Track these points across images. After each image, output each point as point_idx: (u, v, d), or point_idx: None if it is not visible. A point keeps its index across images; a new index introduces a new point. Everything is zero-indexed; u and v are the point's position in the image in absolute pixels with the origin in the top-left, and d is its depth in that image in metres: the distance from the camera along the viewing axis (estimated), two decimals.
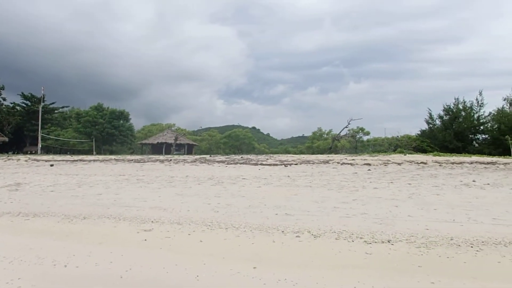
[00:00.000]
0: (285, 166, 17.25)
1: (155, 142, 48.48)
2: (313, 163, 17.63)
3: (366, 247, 5.01)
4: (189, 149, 49.95)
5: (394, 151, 29.36)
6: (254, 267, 4.23)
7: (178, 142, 45.28)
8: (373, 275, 3.97)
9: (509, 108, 36.03)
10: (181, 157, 24.96)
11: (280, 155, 25.34)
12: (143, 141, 52.13)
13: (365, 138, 43.89)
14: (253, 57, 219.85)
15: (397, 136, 38.49)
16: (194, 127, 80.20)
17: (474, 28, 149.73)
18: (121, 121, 50.85)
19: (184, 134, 53.74)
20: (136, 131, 58.23)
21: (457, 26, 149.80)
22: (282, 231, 5.90)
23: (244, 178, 13.43)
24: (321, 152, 36.07)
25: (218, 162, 19.58)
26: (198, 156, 25.20)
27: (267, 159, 20.33)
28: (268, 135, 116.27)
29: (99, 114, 49.60)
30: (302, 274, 4.05)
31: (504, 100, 36.62)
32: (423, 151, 29.29)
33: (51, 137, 48.63)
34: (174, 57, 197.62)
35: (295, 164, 17.55)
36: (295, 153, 34.25)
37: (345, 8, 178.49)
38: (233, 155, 26.22)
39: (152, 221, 6.74)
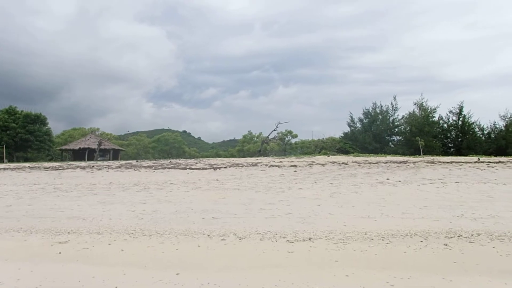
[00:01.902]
0: (214, 169, 17.21)
1: (77, 147, 45.23)
2: (242, 166, 17.82)
3: (289, 246, 5.19)
4: (115, 155, 47.46)
5: (319, 152, 30.85)
6: (177, 274, 4.17)
7: (102, 147, 42.79)
8: (294, 273, 4.13)
9: (419, 111, 39.73)
10: (105, 163, 23.69)
11: (210, 158, 25.25)
12: (63, 147, 48.41)
13: (293, 140, 45.46)
14: (183, 60, 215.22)
15: (323, 139, 40.55)
16: (120, 131, 76.32)
17: (389, 39, 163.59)
18: (37, 126, 46.61)
19: (109, 139, 51.01)
20: (55, 136, 53.87)
21: (374, 36, 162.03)
22: (208, 235, 5.89)
23: (172, 183, 13.15)
24: (252, 155, 36.57)
25: (145, 167, 18.93)
26: (124, 162, 24.11)
27: (197, 163, 20.12)
28: (199, 139, 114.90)
29: (11, 118, 45.05)
30: (225, 276, 4.07)
31: (415, 104, 40.36)
32: (346, 152, 31.15)
33: None
34: (98, 56, 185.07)
35: (224, 168, 17.59)
36: (226, 157, 34.32)
37: (274, 15, 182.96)
38: (161, 160, 25.51)
39: (68, 232, 6.31)
